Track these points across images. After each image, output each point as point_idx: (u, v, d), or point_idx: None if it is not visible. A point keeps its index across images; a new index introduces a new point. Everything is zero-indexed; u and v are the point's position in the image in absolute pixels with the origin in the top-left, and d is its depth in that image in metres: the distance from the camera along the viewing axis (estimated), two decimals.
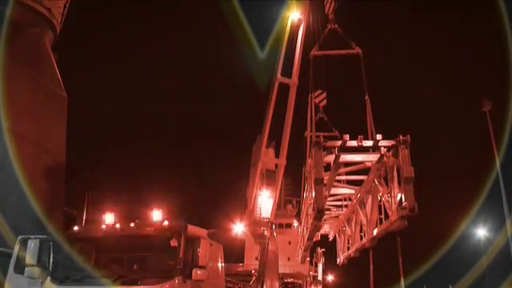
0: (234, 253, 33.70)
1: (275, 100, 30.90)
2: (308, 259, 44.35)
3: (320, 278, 58.07)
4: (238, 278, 15.20)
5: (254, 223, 30.94)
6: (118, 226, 10.54)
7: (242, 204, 32.70)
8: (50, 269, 10.17)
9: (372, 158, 14.77)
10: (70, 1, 26.42)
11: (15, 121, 21.37)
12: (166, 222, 10.13)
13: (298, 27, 30.57)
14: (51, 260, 10.25)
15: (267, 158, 32.36)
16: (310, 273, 50.79)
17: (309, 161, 18.49)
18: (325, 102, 29.16)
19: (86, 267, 10.01)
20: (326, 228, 28.07)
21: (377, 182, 15.34)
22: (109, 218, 10.73)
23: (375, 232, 16.31)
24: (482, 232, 40.83)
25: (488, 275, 40.86)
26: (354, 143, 13.76)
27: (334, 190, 18.22)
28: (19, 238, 10.72)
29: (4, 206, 19.38)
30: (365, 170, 16.64)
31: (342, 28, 22.22)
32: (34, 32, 24.33)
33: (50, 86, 24.23)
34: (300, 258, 36.55)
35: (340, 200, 21.87)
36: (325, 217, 20.63)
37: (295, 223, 48.24)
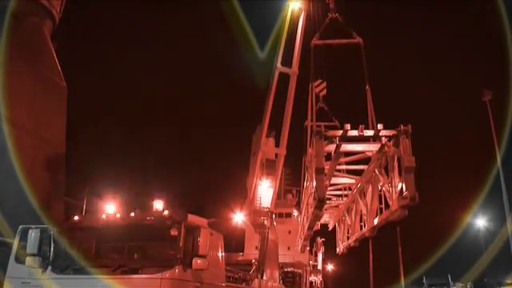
0: (234, 242, 33.89)
1: (275, 90, 30.85)
2: (308, 248, 44.53)
3: (320, 267, 58.52)
4: (238, 268, 15.21)
5: (254, 213, 31.04)
6: (118, 215, 10.54)
7: (242, 193, 32.77)
8: (51, 258, 10.15)
9: (373, 147, 14.74)
10: None
11: (14, 110, 21.31)
12: (166, 212, 10.10)
13: (298, 17, 30.39)
14: (52, 250, 10.24)
15: (267, 147, 32.37)
16: (310, 262, 51.12)
17: (309, 150, 18.43)
18: (325, 91, 29.02)
19: (86, 257, 10.02)
20: (325, 217, 28.09)
21: (377, 172, 15.33)
22: (109, 208, 10.74)
23: (376, 221, 16.33)
24: (481, 222, 40.87)
25: (489, 270, 40.99)
26: (354, 133, 13.72)
27: (334, 180, 18.18)
28: (20, 227, 10.69)
29: (4, 196, 19.41)
30: (365, 160, 16.60)
31: (343, 17, 22.09)
32: (33, 21, 24.21)
33: (49, 75, 24.15)
34: (300, 248, 36.65)
35: (340, 189, 21.87)
36: (325, 206, 20.65)
37: (295, 213, 48.40)
